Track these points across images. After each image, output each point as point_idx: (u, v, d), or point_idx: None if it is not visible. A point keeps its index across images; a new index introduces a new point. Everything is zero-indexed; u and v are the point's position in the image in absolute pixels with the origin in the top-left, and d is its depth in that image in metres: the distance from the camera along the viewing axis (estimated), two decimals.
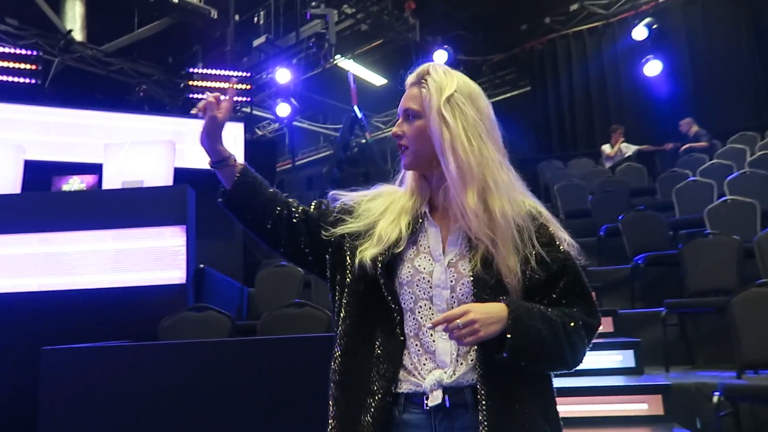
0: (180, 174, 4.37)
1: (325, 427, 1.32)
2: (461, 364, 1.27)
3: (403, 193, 1.41)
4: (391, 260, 1.32)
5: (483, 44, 11.69)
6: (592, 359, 2.82)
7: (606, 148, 8.88)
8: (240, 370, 2.68)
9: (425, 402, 1.26)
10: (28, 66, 7.52)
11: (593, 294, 1.34)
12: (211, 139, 1.37)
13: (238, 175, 1.38)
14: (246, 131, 8.83)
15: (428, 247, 1.34)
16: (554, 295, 1.29)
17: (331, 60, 8.70)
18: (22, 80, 7.39)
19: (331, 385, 1.32)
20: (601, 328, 1.36)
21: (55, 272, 3.53)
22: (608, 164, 8.65)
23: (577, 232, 1.43)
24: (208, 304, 3.49)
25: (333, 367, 1.32)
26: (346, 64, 9.75)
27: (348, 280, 1.35)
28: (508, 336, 1.19)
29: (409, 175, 1.42)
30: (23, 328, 3.32)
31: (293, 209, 1.41)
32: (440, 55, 9.40)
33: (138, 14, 9.75)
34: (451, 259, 1.31)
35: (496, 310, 1.21)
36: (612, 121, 9.46)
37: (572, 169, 8.70)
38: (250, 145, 7.62)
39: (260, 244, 1.58)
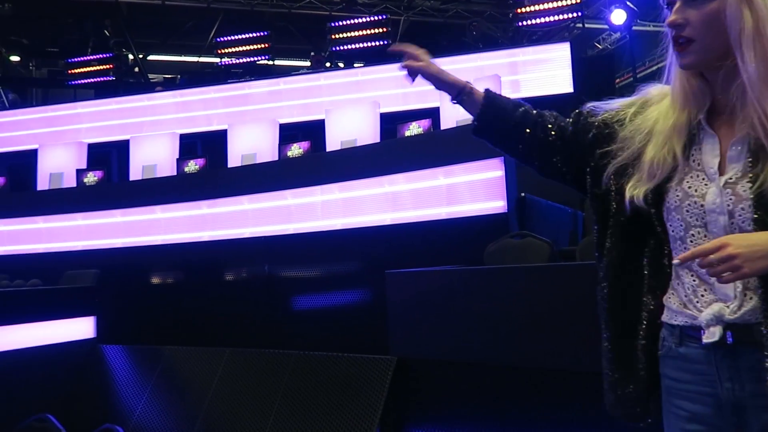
0: None
1: None
2: (749, 298, 1.07)
3: (673, 102, 1.18)
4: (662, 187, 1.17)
5: None
6: None
7: None
8: (551, 293, 2.71)
9: (702, 337, 1.11)
10: (379, 30, 8.63)
11: None
12: (436, 82, 1.41)
13: (481, 105, 1.37)
14: (580, 50, 8.39)
15: (701, 163, 1.13)
16: None
17: None
18: (375, 44, 8.54)
19: (602, 312, 1.27)
20: None
21: (397, 208, 4.12)
22: None
23: None
24: (529, 231, 3.57)
25: (601, 295, 1.26)
26: None
27: (613, 211, 1.23)
28: None
29: (679, 76, 1.17)
30: (371, 255, 4.02)
31: (549, 125, 1.33)
32: None
33: None
34: (730, 178, 1.09)
35: (766, 240, 0.98)
36: None
37: None
38: (582, 63, 7.21)
39: None
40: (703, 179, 1.12)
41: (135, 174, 6.17)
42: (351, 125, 5.65)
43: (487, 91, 1.38)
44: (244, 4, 9.70)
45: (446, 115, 5.41)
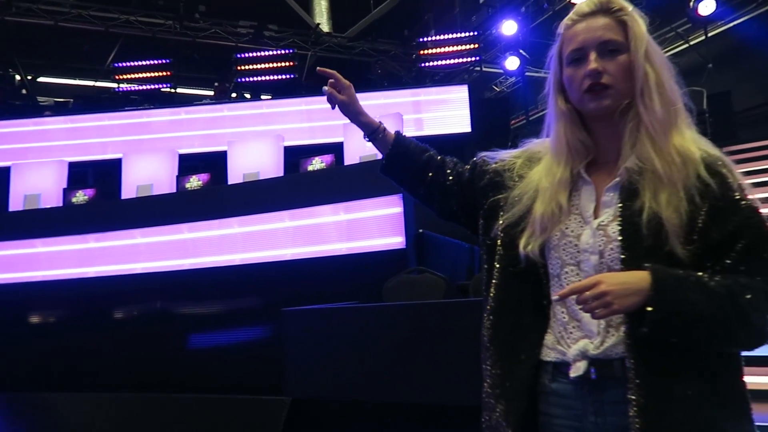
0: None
1: None
2: (611, 335, 1.15)
3: (557, 157, 1.26)
4: None
5: None
6: None
7: None
8: (447, 329, 2.76)
9: (569, 372, 1.17)
10: (287, 63, 8.65)
11: None
12: (353, 117, 1.50)
13: (391, 146, 1.47)
14: (478, 91, 8.83)
15: (579, 207, 1.22)
16: (729, 261, 1.09)
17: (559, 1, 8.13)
18: (283, 77, 8.54)
19: (483, 348, 1.29)
20: None
21: (298, 243, 4.08)
22: None
23: None
24: (426, 267, 3.64)
25: (483, 332, 1.29)
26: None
27: (498, 255, 1.27)
28: (649, 309, 1.04)
29: (564, 131, 1.25)
30: (270, 291, 3.94)
31: (449, 171, 1.42)
32: None
33: None
34: (602, 221, 1.18)
35: (635, 279, 1.06)
36: None
37: None
38: (480, 105, 7.58)
39: None
40: (580, 222, 1.21)
41: (15, 204, 5.71)
42: (254, 158, 5.57)
43: (397, 133, 1.50)
44: (145, 30, 9.41)
45: (350, 150, 5.47)
